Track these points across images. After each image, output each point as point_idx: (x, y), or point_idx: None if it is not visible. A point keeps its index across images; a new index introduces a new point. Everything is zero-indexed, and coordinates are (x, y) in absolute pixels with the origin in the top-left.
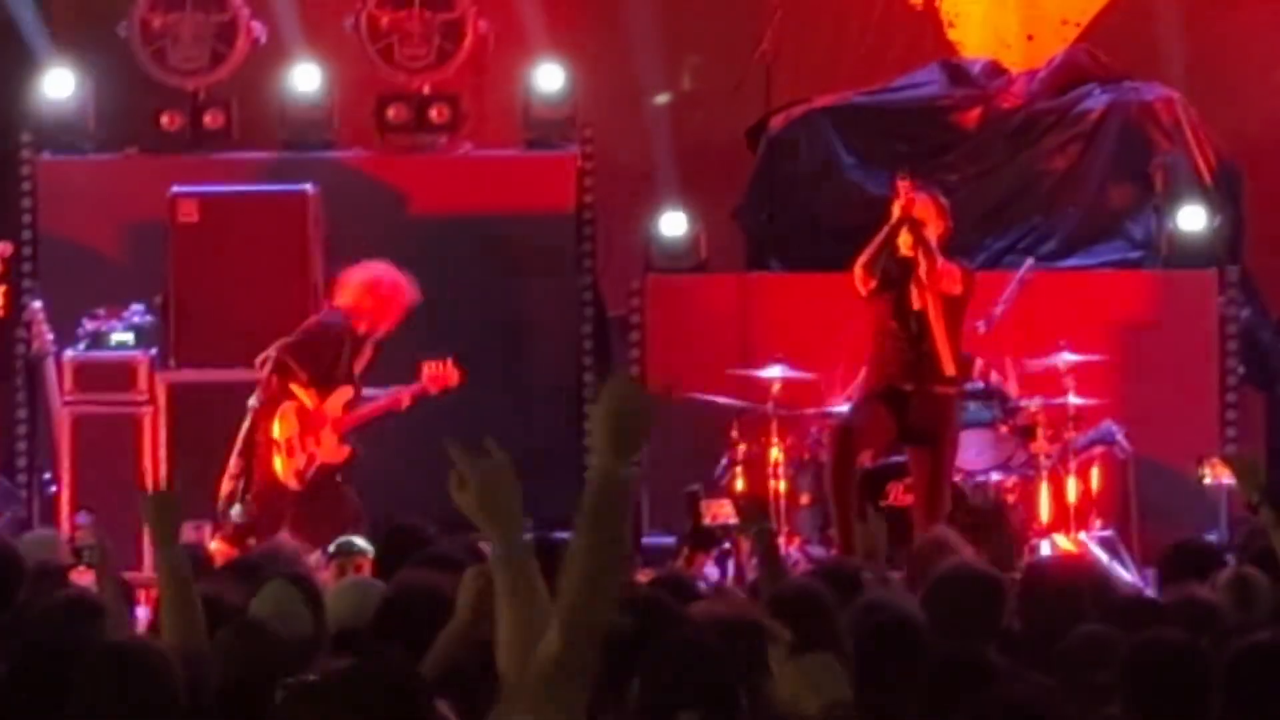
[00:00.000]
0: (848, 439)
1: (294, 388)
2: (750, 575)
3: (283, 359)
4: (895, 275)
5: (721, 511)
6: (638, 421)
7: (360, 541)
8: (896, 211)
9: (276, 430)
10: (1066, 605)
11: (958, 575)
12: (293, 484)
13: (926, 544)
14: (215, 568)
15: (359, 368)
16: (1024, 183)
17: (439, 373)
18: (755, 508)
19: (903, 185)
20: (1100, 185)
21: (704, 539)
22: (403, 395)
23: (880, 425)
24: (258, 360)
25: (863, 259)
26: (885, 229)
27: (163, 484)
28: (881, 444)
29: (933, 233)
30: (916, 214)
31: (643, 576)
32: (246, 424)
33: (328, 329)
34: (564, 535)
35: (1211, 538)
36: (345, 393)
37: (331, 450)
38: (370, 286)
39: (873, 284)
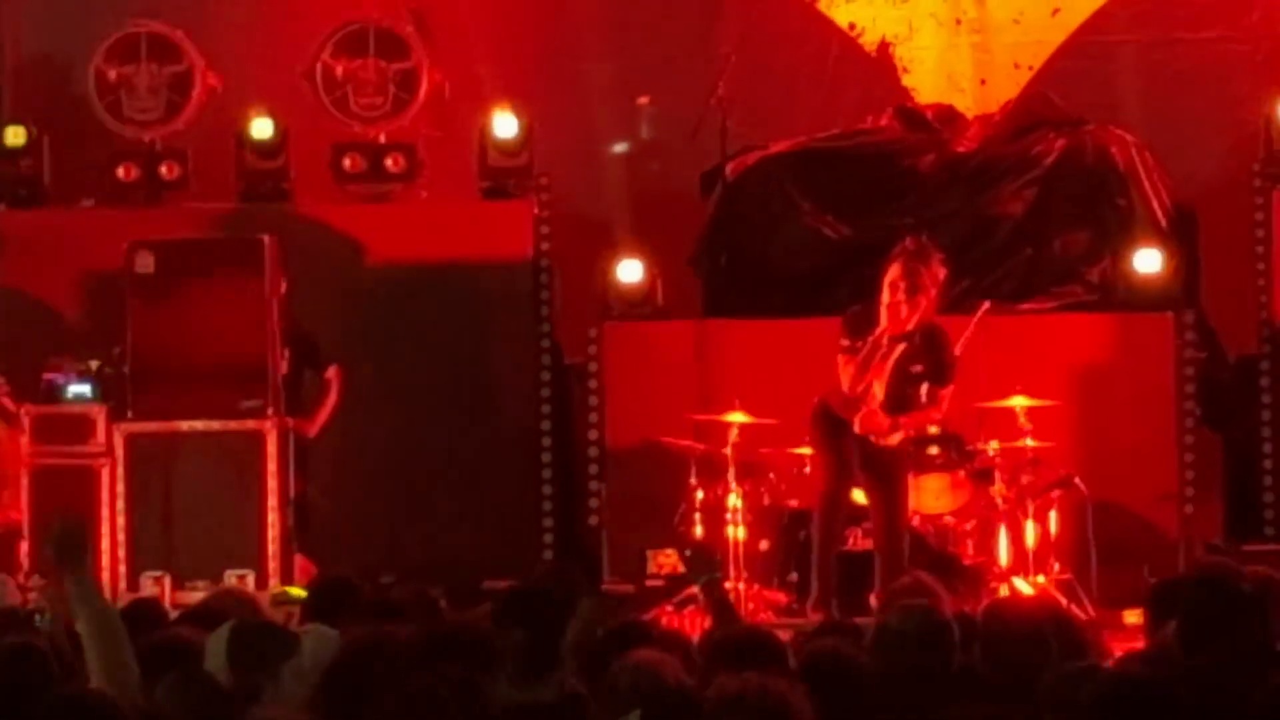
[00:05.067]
0: (840, 483)
1: None
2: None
3: None
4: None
5: (668, 562)
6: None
7: (295, 590)
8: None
9: None
10: (1031, 645)
11: (905, 617)
12: None
13: (903, 589)
14: (172, 618)
15: None
16: (980, 227)
17: None
18: (702, 558)
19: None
20: (1056, 229)
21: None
22: None
23: (850, 465)
24: None
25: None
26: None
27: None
28: (855, 484)
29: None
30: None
31: None
32: None
33: None
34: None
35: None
36: None
37: None
38: None
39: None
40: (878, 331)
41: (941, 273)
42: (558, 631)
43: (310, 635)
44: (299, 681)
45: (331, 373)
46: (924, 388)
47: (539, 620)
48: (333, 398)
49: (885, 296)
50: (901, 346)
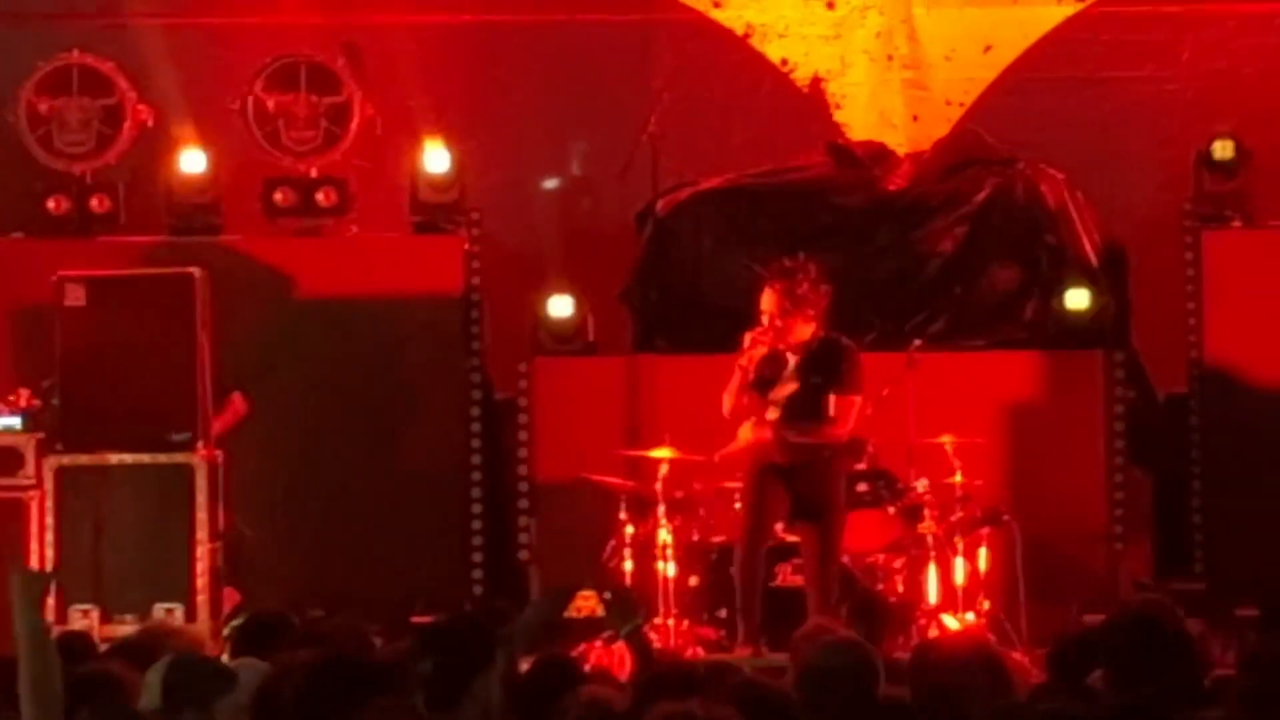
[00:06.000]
0: (760, 514)
1: None
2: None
3: None
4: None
5: (587, 605)
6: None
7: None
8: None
9: None
10: (961, 682)
11: (829, 653)
12: None
13: (808, 631)
14: (102, 651)
15: None
16: (911, 264)
17: None
18: (623, 606)
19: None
20: (987, 266)
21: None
22: None
23: (780, 499)
24: None
25: (729, 407)
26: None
27: (46, 566)
28: (783, 518)
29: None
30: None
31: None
32: None
33: None
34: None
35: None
36: None
37: None
38: None
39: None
40: (745, 350)
41: (822, 285)
42: (469, 665)
43: (245, 669)
44: (236, 717)
45: (236, 397)
46: (831, 400)
47: (449, 653)
48: (231, 414)
49: (765, 316)
50: (798, 359)
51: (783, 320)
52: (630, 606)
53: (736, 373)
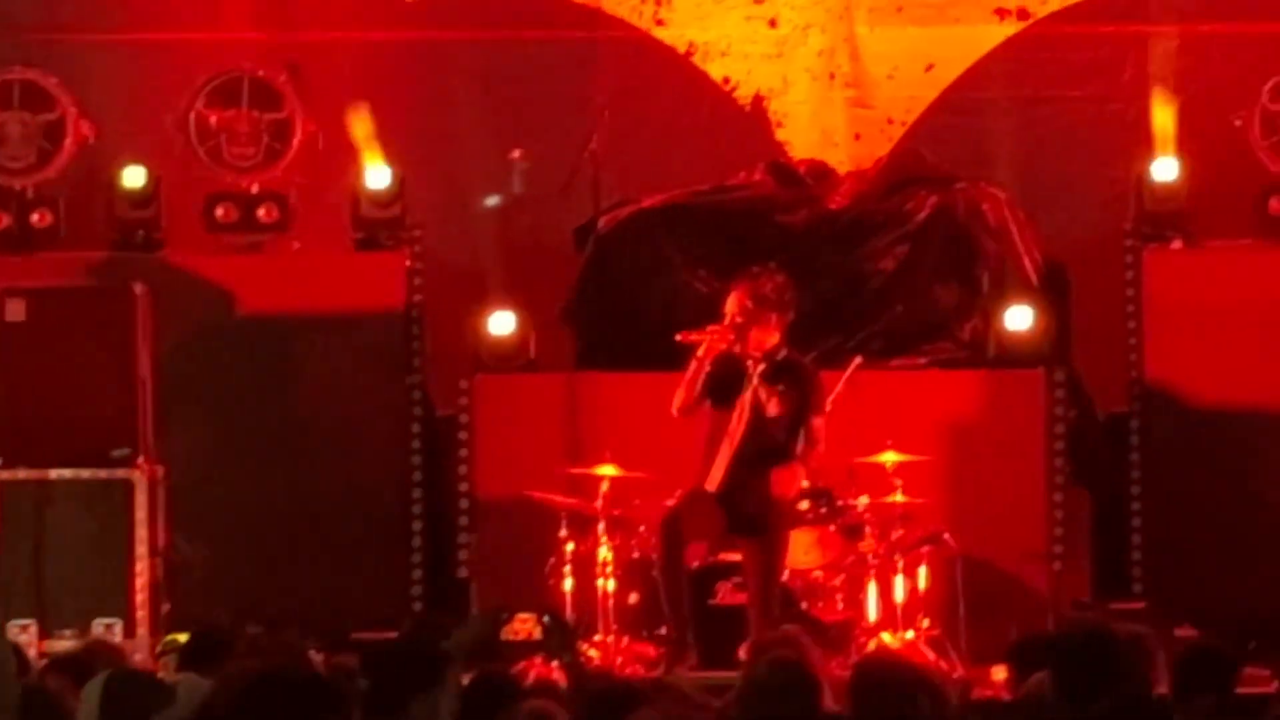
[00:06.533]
0: (673, 531)
1: None
2: None
3: None
4: (727, 386)
5: (524, 628)
6: None
7: (184, 638)
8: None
9: None
10: (900, 701)
11: (769, 670)
12: None
13: (772, 642)
14: (38, 665)
15: None
16: (852, 282)
17: None
18: (559, 633)
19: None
20: (928, 285)
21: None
22: None
23: (708, 517)
24: None
25: (679, 402)
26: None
27: None
28: (712, 536)
29: (773, 334)
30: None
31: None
32: None
33: None
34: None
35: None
36: None
37: None
38: None
39: (690, 405)
40: (700, 352)
41: (788, 294)
42: (409, 683)
43: (184, 685)
44: None
45: None
46: (814, 423)
47: (390, 671)
48: None
49: (729, 317)
50: (762, 366)
51: (744, 319)
52: (566, 634)
53: (692, 365)
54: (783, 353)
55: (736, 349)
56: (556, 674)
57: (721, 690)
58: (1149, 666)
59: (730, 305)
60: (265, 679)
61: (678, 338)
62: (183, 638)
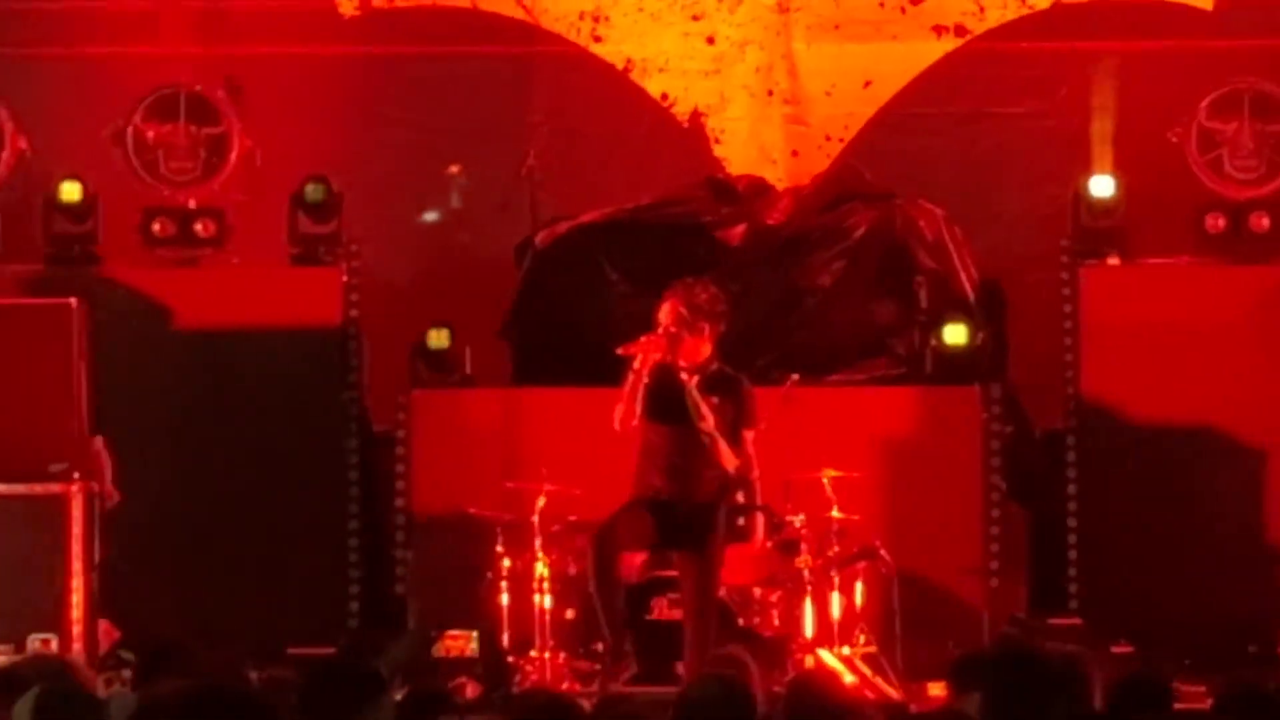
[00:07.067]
0: (606, 543)
1: None
2: None
3: None
4: (664, 404)
5: (455, 645)
6: None
7: (126, 654)
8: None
9: None
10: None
11: (705, 686)
12: None
13: (716, 661)
14: None
15: None
16: (789, 299)
17: None
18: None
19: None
20: (864, 301)
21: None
22: None
23: (642, 529)
24: None
25: (619, 412)
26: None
27: None
28: (644, 547)
29: (705, 344)
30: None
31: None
32: None
33: None
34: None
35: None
36: None
37: None
38: None
39: (634, 421)
40: (636, 364)
41: (720, 306)
42: (344, 700)
43: (115, 700)
44: None
45: (98, 443)
46: (746, 436)
47: (325, 687)
48: (109, 462)
49: (663, 326)
50: (696, 378)
51: (678, 328)
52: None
53: (629, 378)
54: (715, 365)
55: (670, 359)
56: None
57: (661, 706)
58: (1083, 688)
59: (664, 314)
60: (197, 695)
61: (618, 351)
62: (126, 653)
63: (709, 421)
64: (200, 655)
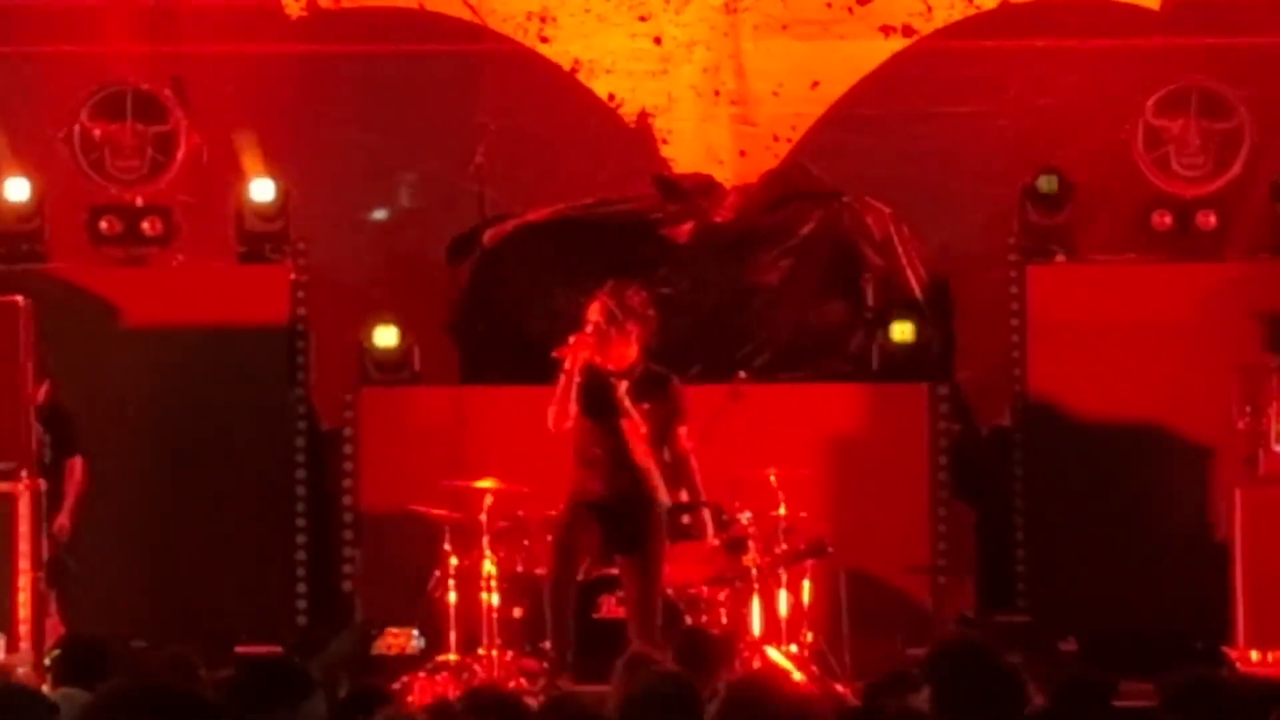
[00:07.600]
0: (568, 553)
1: None
2: None
3: None
4: (597, 403)
5: (396, 642)
6: None
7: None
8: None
9: None
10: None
11: (651, 683)
12: None
13: (629, 659)
14: None
15: None
16: (736, 297)
17: None
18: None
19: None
20: (812, 299)
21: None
22: None
23: (591, 539)
24: None
25: (552, 413)
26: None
27: None
28: (592, 550)
29: (632, 346)
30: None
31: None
32: None
33: None
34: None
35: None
36: None
37: None
38: None
39: (568, 422)
40: (568, 364)
41: (650, 309)
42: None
43: (65, 699)
44: None
45: (75, 464)
46: (680, 431)
47: (262, 685)
48: (75, 489)
49: (592, 324)
50: (625, 384)
51: (608, 326)
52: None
53: (562, 379)
54: (641, 367)
55: (598, 360)
56: (444, 683)
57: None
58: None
59: (593, 312)
60: (142, 694)
61: (554, 354)
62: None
63: (641, 427)
64: (124, 654)
